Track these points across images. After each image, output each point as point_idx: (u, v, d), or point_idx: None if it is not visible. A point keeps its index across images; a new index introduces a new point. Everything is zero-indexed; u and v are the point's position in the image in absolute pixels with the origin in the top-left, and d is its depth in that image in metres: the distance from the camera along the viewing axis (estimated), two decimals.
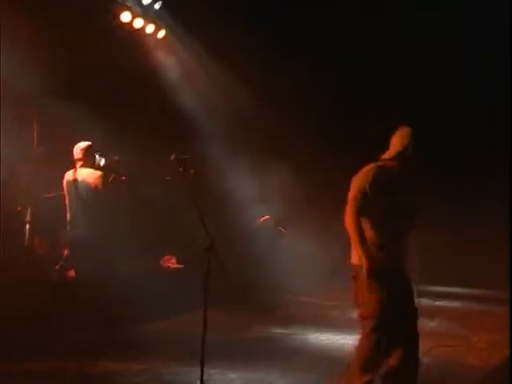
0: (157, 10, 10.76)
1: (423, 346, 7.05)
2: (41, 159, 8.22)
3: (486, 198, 12.24)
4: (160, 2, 10.70)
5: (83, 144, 7.35)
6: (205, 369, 4.56)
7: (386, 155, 4.68)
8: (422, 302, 10.27)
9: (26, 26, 8.25)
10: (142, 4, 10.55)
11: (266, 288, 9.29)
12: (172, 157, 5.00)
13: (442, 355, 6.86)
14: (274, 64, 11.14)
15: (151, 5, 10.65)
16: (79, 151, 7.30)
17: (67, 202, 7.27)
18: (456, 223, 13.38)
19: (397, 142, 4.68)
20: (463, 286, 12.25)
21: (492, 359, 6.63)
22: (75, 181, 7.26)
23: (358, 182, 4.48)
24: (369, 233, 4.42)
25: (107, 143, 8.63)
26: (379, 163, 4.58)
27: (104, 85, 9.49)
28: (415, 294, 10.37)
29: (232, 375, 5.72)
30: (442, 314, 9.54)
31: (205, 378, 4.60)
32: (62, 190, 7.34)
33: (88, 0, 9.34)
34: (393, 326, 4.42)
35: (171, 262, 9.23)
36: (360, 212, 4.38)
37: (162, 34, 10.91)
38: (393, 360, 4.51)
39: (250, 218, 10.62)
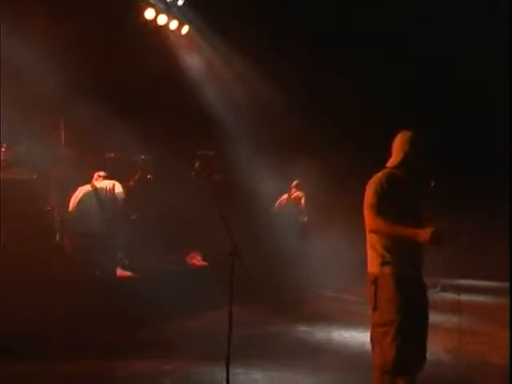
0: (180, 7, 10.84)
1: (448, 342, 7.19)
2: (69, 160, 8.38)
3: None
4: None
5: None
6: (230, 368, 4.63)
7: (390, 163, 4.50)
8: (447, 296, 10.36)
9: (51, 27, 8.36)
10: (166, 1, 10.64)
11: (292, 284, 9.32)
12: (196, 164, 5.07)
13: (467, 352, 6.88)
14: (296, 60, 11.18)
15: (174, 1, 10.74)
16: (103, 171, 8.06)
17: (78, 211, 7.69)
18: (481, 216, 13.38)
19: (398, 148, 4.48)
20: (488, 280, 12.21)
21: None
22: (95, 189, 7.77)
23: (370, 189, 4.39)
24: (385, 240, 4.34)
25: (133, 142, 8.78)
26: (387, 170, 4.47)
27: (129, 83, 9.59)
28: (439, 288, 10.46)
29: (257, 375, 5.81)
30: (466, 308, 9.49)
31: (230, 378, 4.68)
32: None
33: None
34: (411, 332, 4.33)
35: (197, 259, 9.34)
36: (380, 215, 4.28)
37: (185, 29, 11.00)
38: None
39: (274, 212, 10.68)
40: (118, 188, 7.93)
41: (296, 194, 11.07)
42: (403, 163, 4.44)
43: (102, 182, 7.98)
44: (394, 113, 11.46)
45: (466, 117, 12.78)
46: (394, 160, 4.49)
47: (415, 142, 4.44)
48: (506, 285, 11.44)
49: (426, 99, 12.19)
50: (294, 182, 11.10)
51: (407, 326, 4.32)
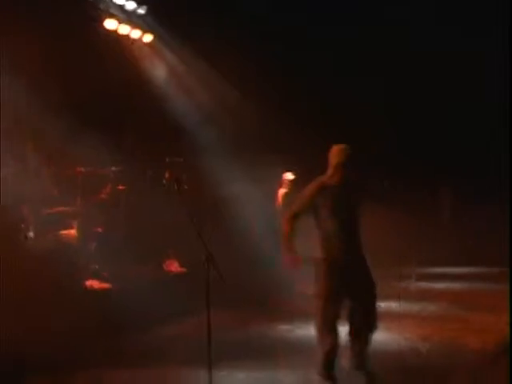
0: (142, 15, 10.84)
1: (423, 331, 7.37)
2: (40, 177, 8.37)
3: (485, 178, 12.63)
4: (145, 7, 10.79)
5: None
6: (214, 371, 4.71)
7: (326, 174, 5.28)
8: (421, 285, 10.59)
9: (13, 46, 8.33)
10: (126, 10, 10.63)
11: (270, 285, 9.38)
12: (166, 174, 5.20)
13: (443, 340, 7.06)
14: (266, 65, 11.30)
15: (136, 10, 10.75)
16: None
17: None
18: (454, 203, 13.70)
19: (330, 161, 5.24)
20: (462, 266, 12.48)
21: (490, 340, 6.82)
22: None
23: (302, 194, 5.30)
24: (317, 232, 5.23)
25: (103, 154, 8.81)
26: (319, 181, 5.28)
27: (95, 95, 9.59)
28: (413, 277, 10.67)
29: (241, 375, 5.90)
30: (440, 296, 9.74)
31: (215, 380, 4.76)
32: None
33: (71, 10, 9.44)
34: (336, 306, 5.16)
35: (174, 266, 9.37)
36: (297, 217, 5.28)
37: (148, 38, 11.02)
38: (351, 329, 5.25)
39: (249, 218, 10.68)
40: None
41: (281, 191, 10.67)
42: (333, 173, 5.22)
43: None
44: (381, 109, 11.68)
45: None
46: (328, 171, 5.29)
47: (342, 155, 5.22)
48: (476, 270, 11.80)
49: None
50: (284, 176, 10.45)
51: (330, 301, 5.14)
